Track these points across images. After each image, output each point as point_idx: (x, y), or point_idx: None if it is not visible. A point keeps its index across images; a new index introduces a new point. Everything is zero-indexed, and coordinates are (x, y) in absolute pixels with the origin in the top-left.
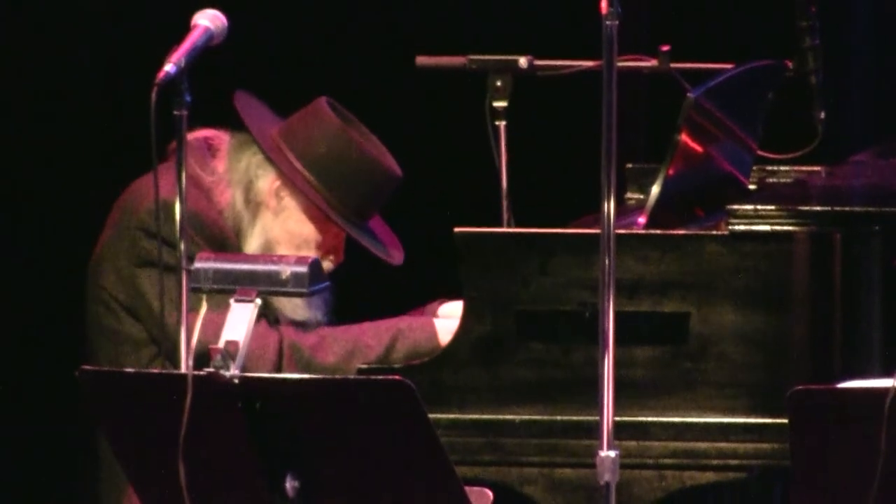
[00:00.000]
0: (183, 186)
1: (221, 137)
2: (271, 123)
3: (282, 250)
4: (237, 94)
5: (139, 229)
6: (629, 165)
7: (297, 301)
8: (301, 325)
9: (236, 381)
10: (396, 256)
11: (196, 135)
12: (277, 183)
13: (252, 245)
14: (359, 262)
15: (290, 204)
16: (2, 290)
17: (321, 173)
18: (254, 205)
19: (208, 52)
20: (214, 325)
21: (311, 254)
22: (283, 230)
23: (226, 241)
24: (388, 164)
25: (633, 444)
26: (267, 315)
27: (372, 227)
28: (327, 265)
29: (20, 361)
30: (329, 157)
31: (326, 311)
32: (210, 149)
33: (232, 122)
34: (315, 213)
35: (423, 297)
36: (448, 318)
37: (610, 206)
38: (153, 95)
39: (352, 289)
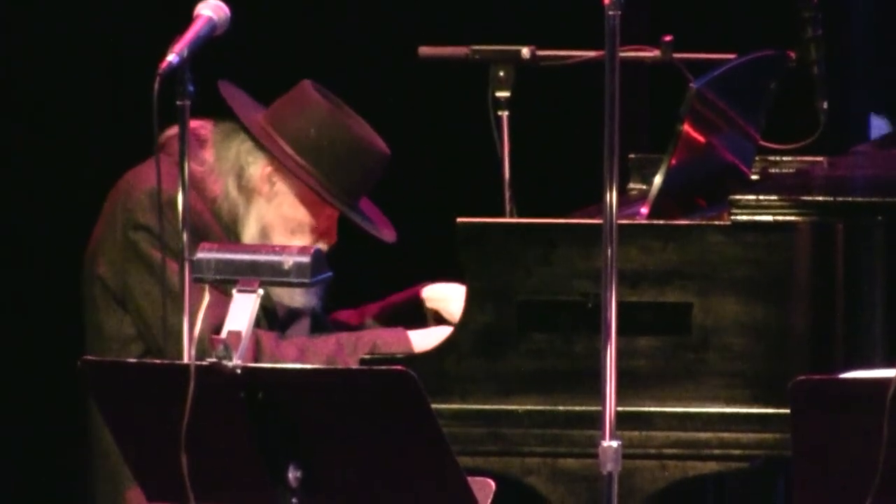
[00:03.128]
0: (185, 176)
1: (206, 127)
2: (255, 110)
3: (277, 235)
4: (221, 83)
5: (129, 221)
6: (632, 156)
7: (295, 288)
8: (296, 314)
9: (238, 371)
10: (388, 235)
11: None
12: (269, 168)
13: (249, 232)
14: (360, 253)
15: (283, 189)
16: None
17: (312, 156)
18: (247, 192)
19: (211, 42)
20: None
21: (306, 237)
22: (277, 215)
23: (209, 234)
24: (377, 144)
25: (635, 434)
26: (265, 305)
27: (362, 207)
28: (321, 248)
29: (17, 356)
30: (319, 139)
31: (323, 297)
32: (198, 139)
33: (215, 111)
34: (308, 197)
35: (415, 282)
36: (423, 330)
37: (612, 197)
38: (156, 86)
39: (354, 279)
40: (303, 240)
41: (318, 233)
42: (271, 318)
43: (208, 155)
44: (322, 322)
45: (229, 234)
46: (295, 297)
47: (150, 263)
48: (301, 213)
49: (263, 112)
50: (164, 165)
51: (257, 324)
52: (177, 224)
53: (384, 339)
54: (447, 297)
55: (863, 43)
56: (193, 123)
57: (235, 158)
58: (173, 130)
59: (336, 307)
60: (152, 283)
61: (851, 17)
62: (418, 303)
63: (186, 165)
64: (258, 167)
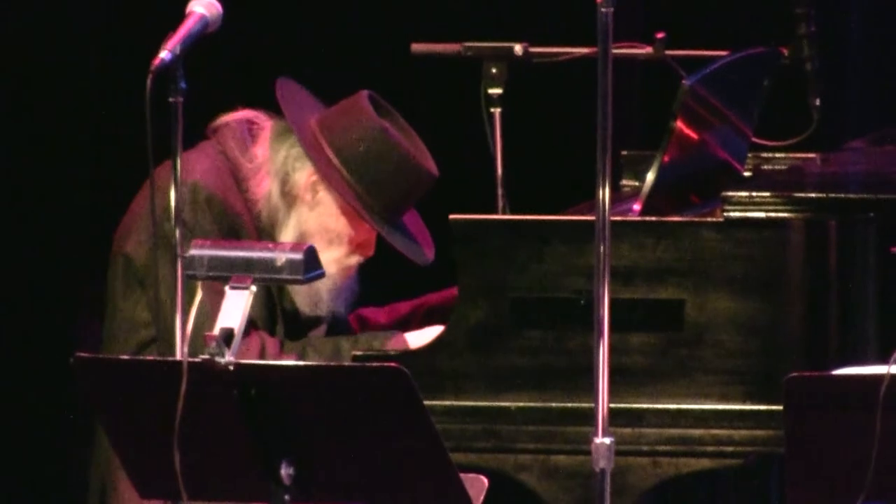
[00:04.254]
0: (178, 174)
1: (262, 119)
2: (311, 111)
3: (315, 243)
4: (279, 81)
5: (167, 211)
6: (624, 152)
7: (322, 296)
8: (316, 318)
9: (231, 367)
10: (427, 254)
11: (237, 117)
12: (314, 177)
13: (286, 237)
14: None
15: (326, 199)
16: None
17: (358, 171)
18: (290, 197)
19: (205, 38)
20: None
21: (343, 248)
22: (317, 224)
23: (241, 236)
24: (425, 164)
25: (628, 430)
26: (284, 308)
27: (405, 221)
28: (357, 259)
29: (13, 350)
30: (367, 155)
31: (350, 304)
32: (251, 132)
33: (272, 106)
34: (349, 210)
35: (417, 283)
36: (419, 331)
37: (605, 193)
38: (148, 83)
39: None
40: (339, 250)
41: (355, 244)
42: (291, 322)
43: (260, 151)
44: (342, 325)
45: (265, 238)
46: (320, 306)
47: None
48: (341, 225)
49: (318, 116)
50: (211, 154)
51: (271, 328)
52: (213, 222)
53: (381, 342)
54: None
55: (855, 39)
56: (249, 114)
57: (283, 162)
58: (228, 117)
59: None
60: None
61: (844, 13)
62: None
63: (179, 162)
64: (304, 174)
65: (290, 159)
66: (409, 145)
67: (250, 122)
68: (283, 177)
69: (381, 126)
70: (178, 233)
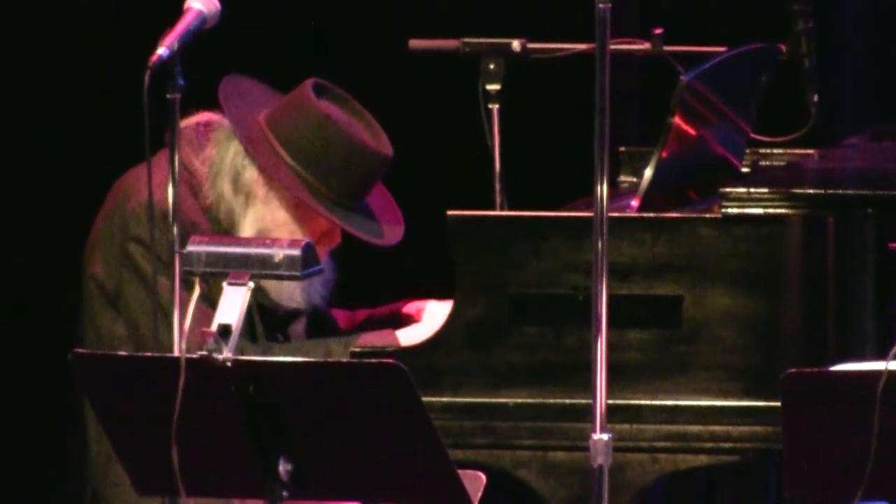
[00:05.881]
0: (176, 171)
1: (217, 123)
2: (264, 105)
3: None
4: (223, 81)
5: (127, 232)
6: (622, 149)
7: (294, 288)
8: (294, 314)
9: (229, 364)
10: (393, 233)
11: (192, 120)
12: (263, 174)
13: (246, 235)
14: (350, 245)
15: (279, 193)
16: None
17: (307, 162)
18: (243, 195)
19: (202, 34)
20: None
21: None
22: (274, 219)
23: None
24: (376, 146)
25: (626, 427)
26: (261, 305)
27: (371, 202)
28: (323, 249)
29: (13, 350)
30: (314, 145)
31: (326, 295)
32: (206, 135)
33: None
34: (303, 201)
35: (415, 281)
36: (410, 328)
37: (603, 190)
38: (146, 79)
39: (343, 273)
40: None
41: (318, 235)
42: (270, 318)
43: (211, 153)
44: (325, 318)
45: None
46: (294, 298)
47: (145, 277)
48: (299, 217)
49: (267, 111)
50: (164, 166)
51: (252, 326)
52: (163, 231)
53: (372, 343)
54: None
55: (854, 35)
56: (204, 116)
57: (232, 160)
58: (182, 123)
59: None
60: (147, 295)
61: (843, 9)
62: (399, 318)
63: (177, 158)
64: (254, 170)
65: (239, 157)
66: (360, 129)
67: (205, 125)
68: (233, 176)
69: (325, 114)
70: (175, 229)
